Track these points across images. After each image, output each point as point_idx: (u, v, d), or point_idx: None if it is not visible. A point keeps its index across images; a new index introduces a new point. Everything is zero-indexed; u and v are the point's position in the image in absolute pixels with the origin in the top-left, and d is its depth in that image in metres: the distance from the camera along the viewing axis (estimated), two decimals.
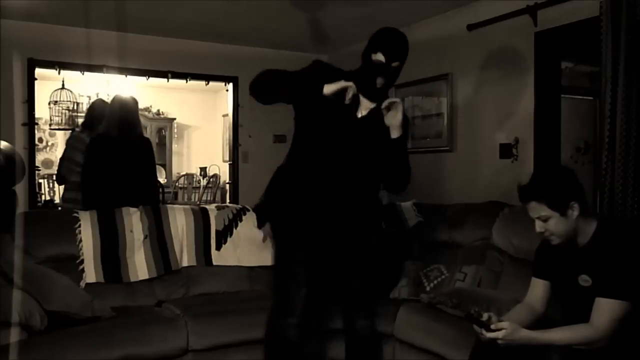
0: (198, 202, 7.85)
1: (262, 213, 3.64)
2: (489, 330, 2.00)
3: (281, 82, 2.52)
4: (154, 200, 3.95)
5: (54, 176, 5.89)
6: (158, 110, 9.10)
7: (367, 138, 2.56)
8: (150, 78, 5.95)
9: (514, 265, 3.05)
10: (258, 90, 2.55)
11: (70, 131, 7.06)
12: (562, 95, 4.14)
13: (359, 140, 2.55)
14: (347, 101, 2.45)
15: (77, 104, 6.93)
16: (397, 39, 2.51)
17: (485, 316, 2.05)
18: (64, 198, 4.37)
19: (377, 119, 2.53)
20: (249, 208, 3.74)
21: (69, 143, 4.32)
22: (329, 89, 2.41)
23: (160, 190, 4.71)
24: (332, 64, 2.69)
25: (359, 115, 2.57)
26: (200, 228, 3.51)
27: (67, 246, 3.15)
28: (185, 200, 8.41)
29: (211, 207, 3.69)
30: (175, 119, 9.23)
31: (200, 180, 8.80)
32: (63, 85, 6.66)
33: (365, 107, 2.57)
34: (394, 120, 2.48)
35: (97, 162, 3.85)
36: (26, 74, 5.04)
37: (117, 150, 3.84)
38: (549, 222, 2.06)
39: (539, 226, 2.09)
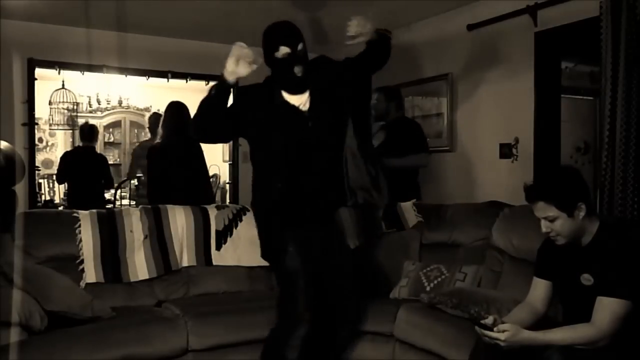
0: None
1: None
2: (492, 331, 2.00)
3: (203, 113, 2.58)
4: (209, 199, 4.26)
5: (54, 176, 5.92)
6: (158, 110, 9.09)
7: (318, 129, 2.58)
8: (150, 78, 5.95)
9: (514, 265, 3.05)
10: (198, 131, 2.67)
11: (70, 131, 7.10)
12: (562, 95, 4.15)
13: (312, 135, 2.57)
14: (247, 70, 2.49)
15: (77, 104, 6.93)
16: (284, 26, 2.57)
17: (490, 319, 2.04)
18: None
19: (320, 107, 2.58)
20: (249, 208, 3.74)
21: None
22: (229, 67, 2.47)
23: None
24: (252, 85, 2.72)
25: (304, 109, 2.58)
26: (200, 228, 3.50)
27: (67, 246, 3.15)
28: None
29: (211, 207, 3.68)
30: None
31: None
32: (63, 85, 6.66)
33: (300, 102, 2.59)
34: (363, 36, 2.53)
35: (157, 167, 4.29)
36: (26, 74, 5.04)
37: (174, 155, 4.20)
38: (555, 223, 2.06)
39: (545, 226, 2.09)
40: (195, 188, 4.20)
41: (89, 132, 5.65)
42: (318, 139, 2.58)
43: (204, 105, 2.57)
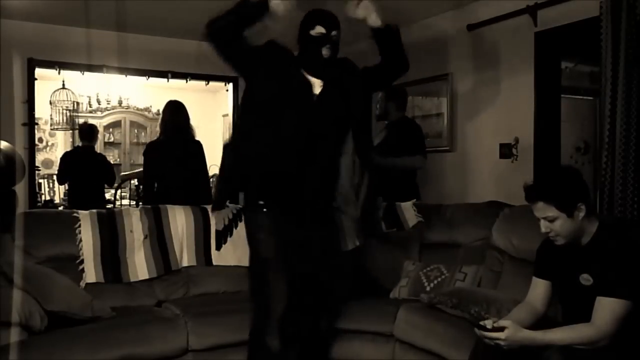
0: None
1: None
2: (491, 332, 2.00)
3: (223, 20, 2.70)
4: (207, 198, 4.20)
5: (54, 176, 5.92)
6: (158, 111, 9.10)
7: (325, 117, 2.59)
8: (150, 78, 5.95)
9: (514, 265, 3.05)
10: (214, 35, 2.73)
11: (70, 131, 7.09)
12: (562, 95, 4.15)
13: (317, 121, 2.58)
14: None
15: (77, 103, 6.93)
16: (326, 11, 2.63)
17: (489, 323, 2.04)
18: None
19: (332, 96, 2.59)
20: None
21: None
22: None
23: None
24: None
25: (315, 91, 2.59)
26: (200, 228, 3.50)
27: (67, 246, 3.15)
28: None
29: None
30: None
31: None
32: (63, 85, 6.66)
33: (317, 86, 2.61)
34: (366, 11, 2.56)
35: (154, 164, 4.23)
36: (26, 74, 5.04)
37: (173, 153, 4.16)
38: (555, 223, 2.05)
39: (544, 226, 2.09)
40: (194, 188, 4.18)
41: (88, 132, 5.65)
42: (321, 124, 2.59)
43: (231, 8, 2.66)
